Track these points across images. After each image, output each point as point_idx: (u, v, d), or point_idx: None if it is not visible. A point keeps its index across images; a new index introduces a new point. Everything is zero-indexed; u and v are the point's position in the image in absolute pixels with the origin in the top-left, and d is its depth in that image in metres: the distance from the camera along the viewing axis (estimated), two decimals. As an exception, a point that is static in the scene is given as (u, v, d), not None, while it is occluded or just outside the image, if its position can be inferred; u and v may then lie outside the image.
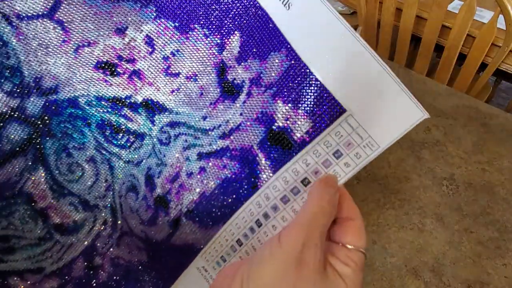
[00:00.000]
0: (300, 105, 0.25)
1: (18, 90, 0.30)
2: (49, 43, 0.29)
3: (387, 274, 0.41)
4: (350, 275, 0.21)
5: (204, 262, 0.29)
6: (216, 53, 0.29)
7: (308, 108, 0.25)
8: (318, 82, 0.25)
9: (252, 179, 0.27)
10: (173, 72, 0.30)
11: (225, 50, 0.28)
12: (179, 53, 0.29)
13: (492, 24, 0.86)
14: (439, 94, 0.62)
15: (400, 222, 0.45)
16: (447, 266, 0.41)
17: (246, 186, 0.28)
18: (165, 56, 0.29)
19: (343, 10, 1.66)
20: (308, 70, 0.25)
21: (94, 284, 0.32)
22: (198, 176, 0.29)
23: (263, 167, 0.27)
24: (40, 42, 0.29)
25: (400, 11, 0.98)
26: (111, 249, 0.32)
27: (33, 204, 0.32)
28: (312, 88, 0.25)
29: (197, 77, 0.29)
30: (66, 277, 0.32)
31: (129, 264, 0.32)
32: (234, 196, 0.28)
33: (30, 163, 0.31)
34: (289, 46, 0.26)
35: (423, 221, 0.45)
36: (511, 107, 1.12)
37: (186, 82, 0.30)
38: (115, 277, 0.32)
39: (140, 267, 0.32)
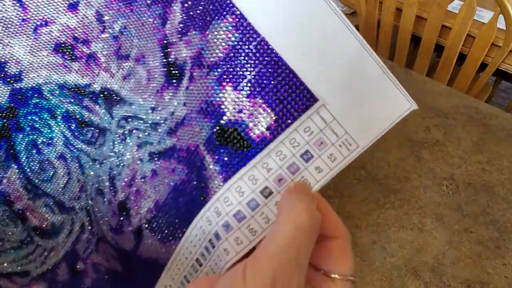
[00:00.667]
0: (258, 93, 0.20)
1: None
2: (9, 22, 0.28)
3: (387, 274, 0.41)
4: None
5: (170, 280, 0.26)
6: (159, 27, 0.24)
7: (269, 97, 0.20)
8: (282, 62, 0.20)
9: (201, 189, 0.22)
10: (124, 54, 0.27)
11: (168, 21, 0.24)
12: (127, 30, 0.26)
13: (492, 24, 0.86)
14: (439, 94, 0.62)
15: (400, 222, 0.45)
16: (447, 266, 0.41)
17: (195, 197, 0.23)
18: (115, 35, 0.27)
19: (343, 10, 1.66)
20: (267, 46, 0.20)
21: None
22: (150, 181, 0.26)
23: (211, 174, 0.21)
24: (1, 21, 0.28)
25: (400, 11, 0.98)
26: (92, 255, 0.32)
27: (10, 205, 0.32)
28: (274, 70, 0.20)
29: (144, 59, 0.26)
30: (52, 282, 0.32)
31: (109, 272, 0.31)
32: (185, 208, 0.24)
33: (3, 160, 0.31)
34: (237, 12, 0.20)
35: (423, 221, 0.45)
36: (511, 107, 1.12)
37: (136, 66, 0.26)
38: (99, 283, 0.32)
39: (117, 278, 0.31)
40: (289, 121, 0.20)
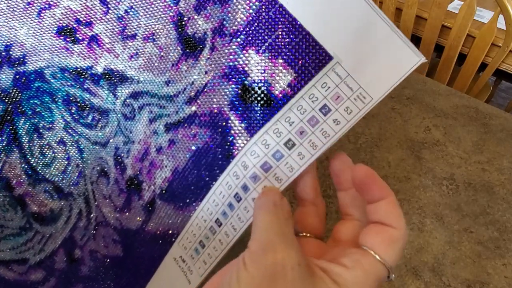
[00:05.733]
0: (278, 54, 0.22)
1: None
2: (15, 6, 0.29)
3: (387, 274, 0.41)
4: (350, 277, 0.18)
5: (182, 251, 0.27)
6: (172, 5, 0.26)
7: (288, 57, 0.22)
8: (298, 25, 0.22)
9: (226, 147, 0.24)
10: (129, 33, 0.28)
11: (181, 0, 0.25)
12: (133, 10, 0.27)
13: (492, 24, 0.86)
14: (439, 94, 0.62)
15: (400, 222, 0.45)
16: (447, 266, 0.41)
17: (220, 156, 0.24)
18: (120, 15, 0.28)
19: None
20: (284, 11, 0.22)
21: (77, 278, 0.32)
22: (168, 151, 0.27)
23: (237, 131, 0.24)
24: (8, 4, 0.29)
25: (400, 11, 0.98)
26: (89, 242, 0.32)
27: (11, 190, 0.32)
28: (292, 32, 0.22)
29: (154, 37, 0.27)
30: (49, 269, 0.33)
31: (107, 259, 0.32)
32: (208, 168, 0.25)
33: (5, 144, 0.31)
34: None
35: (423, 221, 0.45)
36: (511, 107, 1.12)
37: (144, 44, 0.27)
38: (96, 271, 0.32)
39: (116, 264, 0.31)
40: (308, 78, 0.22)
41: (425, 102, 0.60)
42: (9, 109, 0.31)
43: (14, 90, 0.30)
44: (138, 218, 0.29)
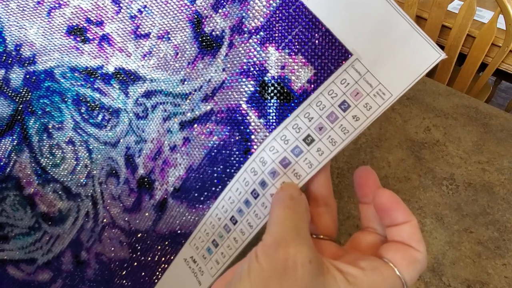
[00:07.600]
0: (298, 50, 0.22)
1: (3, 59, 0.30)
2: (25, 5, 0.29)
3: (387, 274, 0.41)
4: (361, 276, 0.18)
5: (193, 251, 0.27)
6: (189, 4, 0.26)
7: (308, 53, 0.22)
8: (318, 22, 0.22)
9: (244, 143, 0.24)
10: (143, 33, 0.28)
11: None
12: (147, 9, 0.27)
13: (492, 24, 0.86)
14: (439, 94, 0.62)
15: (400, 222, 0.45)
16: (447, 266, 0.41)
17: (237, 152, 0.24)
18: (132, 14, 0.27)
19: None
20: (305, 9, 0.22)
21: (82, 281, 0.32)
22: (183, 149, 0.27)
23: (256, 127, 0.24)
24: (18, 4, 0.29)
25: (400, 11, 0.98)
26: (95, 245, 0.32)
27: (21, 190, 0.32)
28: (312, 29, 0.22)
29: (169, 36, 0.27)
30: (57, 271, 0.33)
31: (112, 263, 0.32)
32: (225, 165, 0.25)
33: (16, 143, 0.31)
34: None
35: (423, 221, 0.45)
36: (511, 107, 1.12)
37: (158, 43, 0.27)
38: (100, 275, 0.32)
39: (121, 267, 0.31)
40: (327, 74, 0.22)
41: (425, 102, 0.60)
42: (20, 108, 0.31)
43: (25, 90, 0.31)
44: (148, 219, 0.29)
